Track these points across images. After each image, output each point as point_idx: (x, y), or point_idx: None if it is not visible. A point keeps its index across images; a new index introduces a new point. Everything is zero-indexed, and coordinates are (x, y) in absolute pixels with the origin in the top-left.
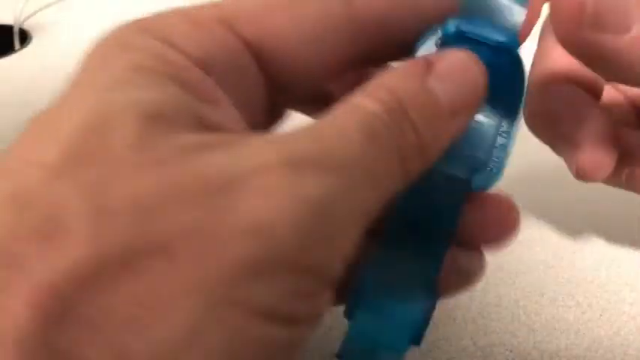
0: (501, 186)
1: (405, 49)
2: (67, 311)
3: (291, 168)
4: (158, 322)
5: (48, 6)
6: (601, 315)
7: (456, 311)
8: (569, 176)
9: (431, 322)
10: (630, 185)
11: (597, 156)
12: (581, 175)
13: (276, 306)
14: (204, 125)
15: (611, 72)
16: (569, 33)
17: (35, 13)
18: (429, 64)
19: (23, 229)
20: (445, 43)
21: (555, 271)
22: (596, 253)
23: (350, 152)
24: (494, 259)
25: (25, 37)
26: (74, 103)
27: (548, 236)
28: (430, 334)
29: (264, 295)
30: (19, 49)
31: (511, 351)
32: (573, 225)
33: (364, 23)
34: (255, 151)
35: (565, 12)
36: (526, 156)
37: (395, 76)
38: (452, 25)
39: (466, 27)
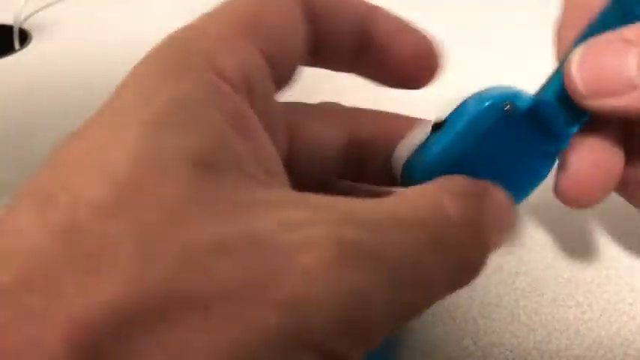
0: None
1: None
2: (100, 352)
3: (341, 252)
4: None
5: (48, 6)
6: (601, 315)
7: (456, 311)
8: None
9: (431, 322)
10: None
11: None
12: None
13: None
14: (251, 174)
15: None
16: (581, 103)
17: (35, 13)
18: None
19: (69, 261)
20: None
21: (555, 271)
22: (596, 253)
23: (408, 254)
24: (495, 259)
25: (25, 37)
26: (121, 136)
27: (548, 236)
28: (430, 334)
29: None
30: (19, 49)
31: (511, 351)
32: (573, 225)
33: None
34: (308, 221)
35: (568, 87)
36: None
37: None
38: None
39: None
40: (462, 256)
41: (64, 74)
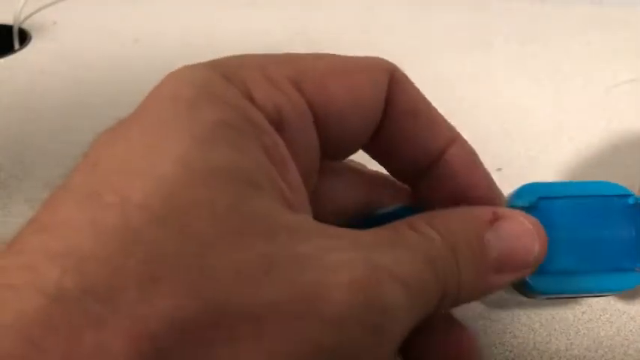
0: (503, 186)
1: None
2: (164, 357)
3: (373, 273)
4: None
5: (48, 6)
6: (601, 315)
7: (456, 311)
8: (569, 176)
9: None
10: None
11: None
12: None
13: None
14: (284, 198)
15: None
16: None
17: (35, 13)
18: (495, 216)
19: (127, 267)
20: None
21: None
22: None
23: (415, 273)
24: None
25: (24, 37)
26: (169, 144)
27: None
28: None
29: None
30: (18, 49)
31: (511, 351)
32: None
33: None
34: (339, 246)
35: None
36: (527, 157)
37: (460, 216)
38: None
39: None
40: (444, 279)
41: (64, 74)
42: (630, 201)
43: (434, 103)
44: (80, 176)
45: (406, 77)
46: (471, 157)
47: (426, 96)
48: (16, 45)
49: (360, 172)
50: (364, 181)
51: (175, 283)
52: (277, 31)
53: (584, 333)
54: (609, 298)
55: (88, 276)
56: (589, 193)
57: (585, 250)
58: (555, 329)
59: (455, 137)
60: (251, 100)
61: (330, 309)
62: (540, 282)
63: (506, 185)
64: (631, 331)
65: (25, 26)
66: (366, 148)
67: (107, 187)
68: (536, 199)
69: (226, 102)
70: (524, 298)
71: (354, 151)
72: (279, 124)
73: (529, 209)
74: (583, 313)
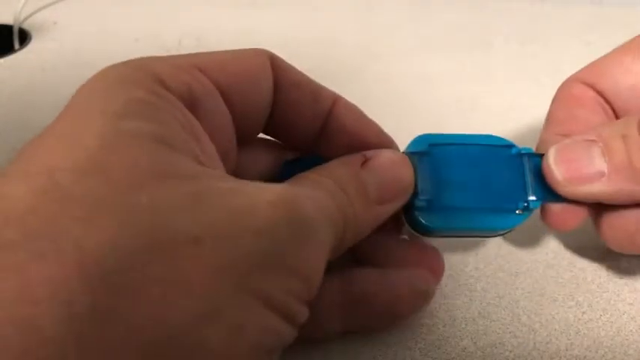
0: None
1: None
2: (109, 284)
3: (290, 192)
4: (187, 297)
5: (48, 6)
6: (601, 315)
7: (456, 311)
8: None
9: (431, 322)
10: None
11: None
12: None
13: (279, 299)
14: (198, 159)
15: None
16: (558, 190)
17: (35, 13)
18: (365, 158)
19: (64, 214)
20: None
21: (555, 271)
22: (596, 254)
23: (321, 200)
24: (495, 259)
25: (25, 37)
26: (87, 124)
27: (548, 236)
28: (430, 334)
29: (270, 286)
30: (18, 49)
31: (511, 351)
32: None
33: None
34: (258, 184)
35: (548, 177)
36: None
37: (338, 164)
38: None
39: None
40: (343, 209)
41: (64, 74)
42: (513, 151)
43: (434, 103)
44: (13, 165)
45: (283, 60)
46: (355, 110)
47: (426, 95)
48: (16, 45)
49: (268, 140)
50: (273, 147)
51: (110, 219)
52: (277, 31)
53: (584, 333)
54: (609, 298)
55: (28, 225)
56: (477, 143)
57: (471, 191)
58: (555, 329)
59: (337, 98)
60: (161, 83)
61: (259, 222)
62: (430, 218)
63: None
64: (631, 331)
65: (25, 26)
66: (266, 129)
67: (35, 165)
68: (427, 146)
69: (136, 85)
70: (524, 298)
71: (259, 127)
72: (191, 104)
73: (421, 155)
74: (583, 313)
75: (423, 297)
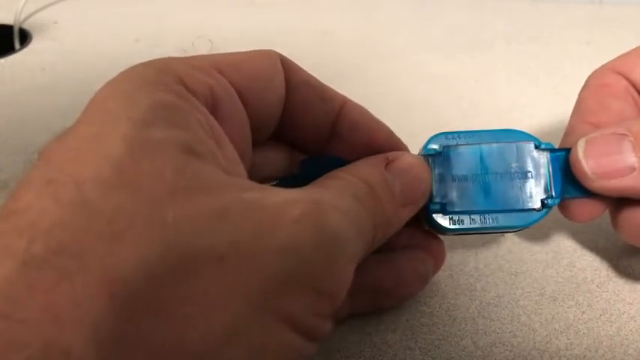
0: None
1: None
2: (135, 303)
3: (318, 206)
4: (210, 318)
5: (48, 6)
6: (601, 315)
7: (456, 311)
8: None
9: (431, 322)
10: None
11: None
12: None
13: (302, 319)
14: (223, 166)
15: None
16: (587, 184)
17: (35, 12)
18: (387, 160)
19: (92, 229)
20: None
21: (555, 271)
22: (596, 253)
23: (349, 207)
24: (495, 259)
25: (25, 37)
26: (112, 130)
27: (548, 236)
28: (430, 334)
29: (294, 307)
30: (19, 49)
31: (511, 351)
32: (573, 226)
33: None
34: (285, 192)
35: (576, 171)
36: None
37: (364, 164)
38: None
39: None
40: (372, 210)
41: (64, 74)
42: (532, 146)
43: (433, 103)
44: (37, 171)
45: (291, 60)
46: (364, 112)
47: (425, 95)
48: (17, 45)
49: (277, 141)
50: (283, 148)
51: (136, 235)
52: (277, 31)
53: (584, 333)
54: (609, 297)
55: (55, 240)
56: (494, 140)
57: (487, 192)
58: (555, 329)
59: (345, 99)
60: (184, 85)
61: (283, 240)
62: (445, 220)
63: None
64: (631, 331)
65: (25, 26)
66: (276, 132)
67: (61, 173)
68: (441, 147)
69: (160, 87)
70: (524, 298)
71: (272, 127)
72: (213, 106)
73: (435, 156)
74: (583, 313)
75: (425, 279)
